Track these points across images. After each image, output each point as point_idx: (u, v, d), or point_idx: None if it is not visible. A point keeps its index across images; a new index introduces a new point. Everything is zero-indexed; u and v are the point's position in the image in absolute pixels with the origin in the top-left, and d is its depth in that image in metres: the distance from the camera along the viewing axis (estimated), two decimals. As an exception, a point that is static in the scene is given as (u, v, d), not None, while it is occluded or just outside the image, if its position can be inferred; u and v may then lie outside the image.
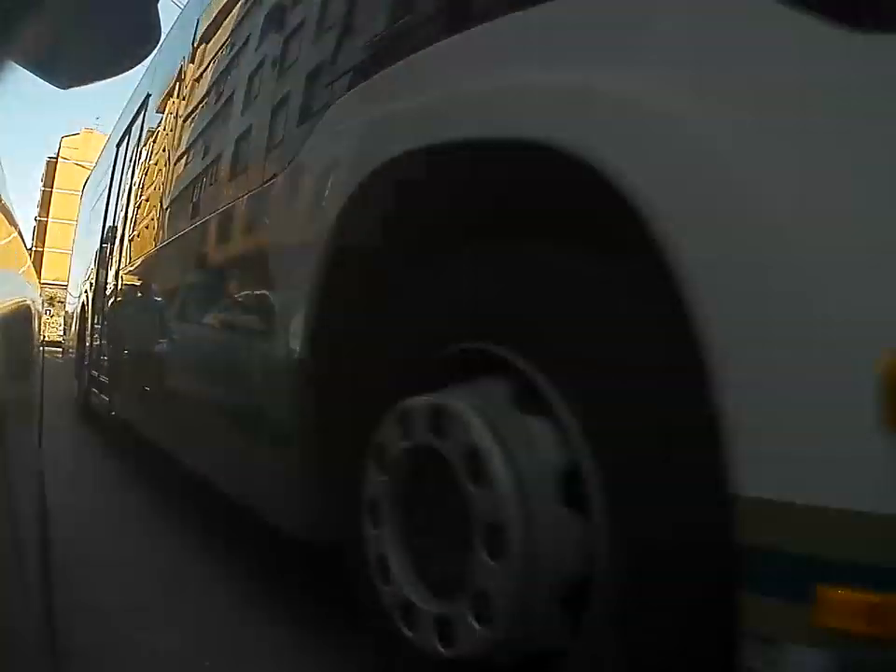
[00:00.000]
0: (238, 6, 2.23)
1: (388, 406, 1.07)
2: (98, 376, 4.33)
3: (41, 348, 1.62)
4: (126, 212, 3.86)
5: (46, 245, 45.51)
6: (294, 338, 1.34)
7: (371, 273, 1.23)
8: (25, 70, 0.68)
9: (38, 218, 47.28)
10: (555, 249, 0.95)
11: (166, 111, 3.20)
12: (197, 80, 2.66)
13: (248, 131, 1.93)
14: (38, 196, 48.21)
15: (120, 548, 2.32)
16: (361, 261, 1.25)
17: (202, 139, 2.51)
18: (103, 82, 0.83)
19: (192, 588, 1.98)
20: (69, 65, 0.77)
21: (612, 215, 0.81)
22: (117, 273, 3.89)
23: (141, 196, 3.55)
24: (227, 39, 2.31)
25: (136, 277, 3.50)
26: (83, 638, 1.56)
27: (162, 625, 1.68)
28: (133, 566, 2.12)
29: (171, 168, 2.87)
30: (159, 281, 3.02)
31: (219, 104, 2.30)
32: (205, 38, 2.60)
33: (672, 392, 0.78)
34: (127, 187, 3.98)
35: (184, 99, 2.82)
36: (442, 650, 0.96)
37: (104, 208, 4.63)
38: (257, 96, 1.92)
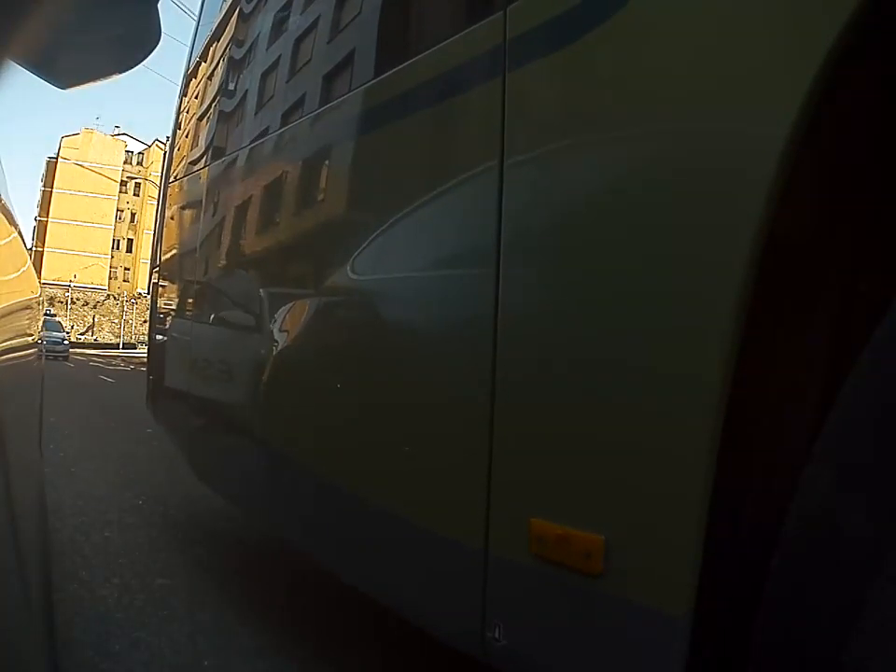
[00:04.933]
0: None
1: None
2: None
3: (42, 352, 1.62)
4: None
5: (46, 244, 45.52)
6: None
7: None
8: (25, 70, 0.68)
9: (38, 218, 47.27)
10: None
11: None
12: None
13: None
14: (38, 196, 48.25)
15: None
16: None
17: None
18: (103, 82, 0.83)
19: (190, 588, 1.98)
20: (69, 65, 0.76)
21: None
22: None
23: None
24: None
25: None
26: (83, 636, 1.57)
27: (162, 624, 1.68)
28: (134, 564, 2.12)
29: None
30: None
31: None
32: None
33: None
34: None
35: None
36: None
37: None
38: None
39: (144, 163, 48.85)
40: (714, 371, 0.67)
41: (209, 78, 2.51)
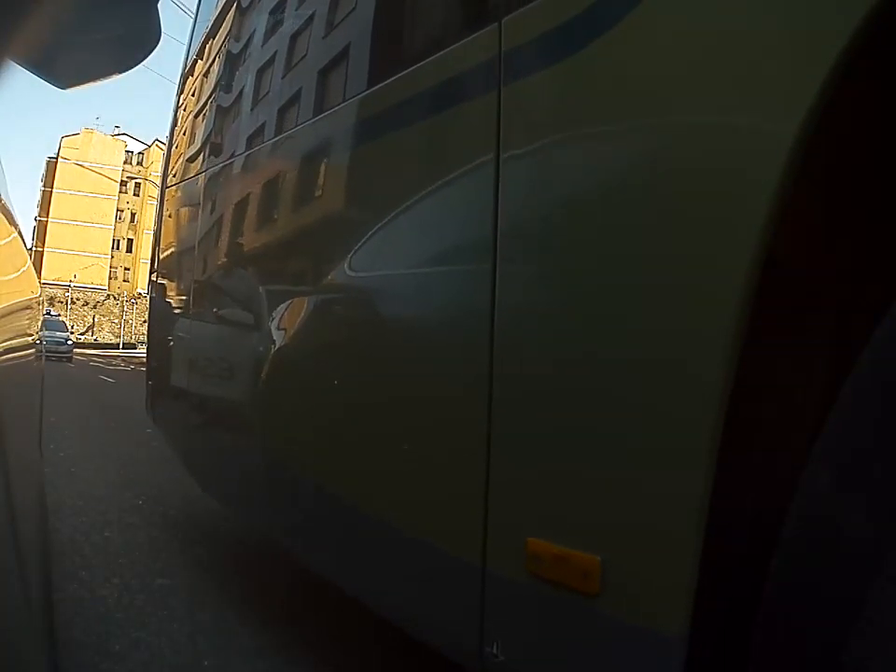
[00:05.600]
0: None
1: None
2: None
3: (42, 352, 1.62)
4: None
5: (46, 244, 45.54)
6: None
7: None
8: (25, 70, 0.68)
9: (38, 218, 47.29)
10: None
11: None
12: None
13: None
14: (38, 196, 48.26)
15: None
16: None
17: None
18: (103, 82, 0.83)
19: (190, 588, 1.98)
20: (69, 65, 0.76)
21: None
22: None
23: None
24: None
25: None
26: (83, 636, 1.57)
27: (162, 624, 1.68)
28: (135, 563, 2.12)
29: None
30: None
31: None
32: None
33: None
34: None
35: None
36: None
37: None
38: None
39: (144, 163, 48.87)
40: (714, 381, 0.65)
41: (205, 84, 2.49)
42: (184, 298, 2.42)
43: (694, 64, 0.73)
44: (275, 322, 1.63)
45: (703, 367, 0.68)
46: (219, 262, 2.07)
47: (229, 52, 2.24)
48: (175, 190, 2.62)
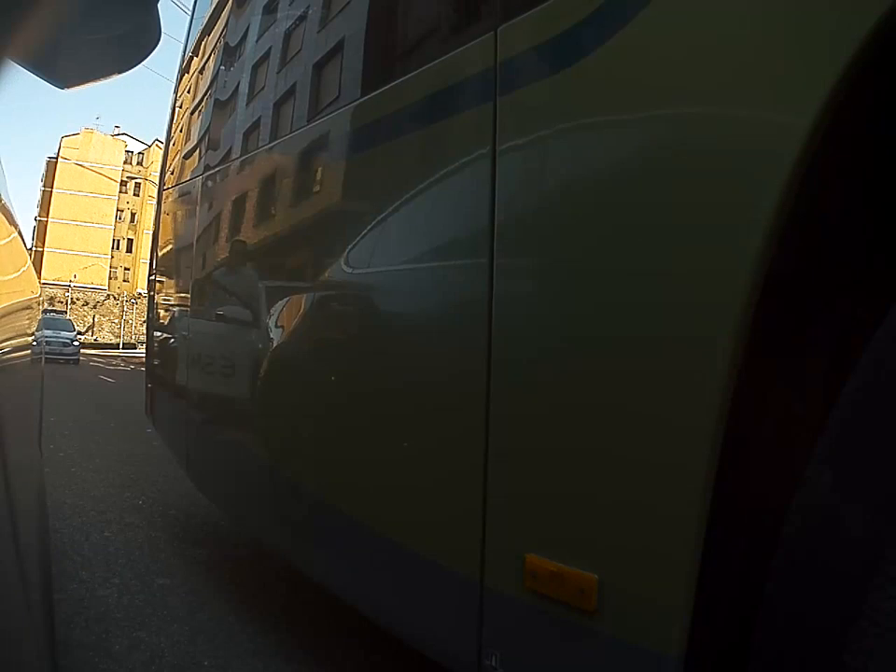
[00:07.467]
0: None
1: None
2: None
3: (42, 352, 1.62)
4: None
5: (46, 244, 45.51)
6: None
7: None
8: (25, 70, 0.68)
9: (38, 218, 47.26)
10: None
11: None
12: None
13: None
14: (38, 196, 48.25)
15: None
16: None
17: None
18: (103, 82, 0.83)
19: (190, 588, 1.98)
20: (69, 65, 0.76)
21: None
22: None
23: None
24: None
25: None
26: (83, 636, 1.57)
27: (162, 624, 1.68)
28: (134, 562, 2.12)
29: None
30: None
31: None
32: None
33: None
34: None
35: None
36: None
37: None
38: None
39: (144, 163, 48.81)
40: (715, 389, 0.65)
41: (202, 82, 2.48)
42: (183, 299, 2.41)
43: (689, 75, 0.73)
44: (276, 325, 1.62)
45: (703, 371, 0.67)
46: (219, 263, 2.06)
47: (224, 52, 2.23)
48: (174, 190, 2.62)
